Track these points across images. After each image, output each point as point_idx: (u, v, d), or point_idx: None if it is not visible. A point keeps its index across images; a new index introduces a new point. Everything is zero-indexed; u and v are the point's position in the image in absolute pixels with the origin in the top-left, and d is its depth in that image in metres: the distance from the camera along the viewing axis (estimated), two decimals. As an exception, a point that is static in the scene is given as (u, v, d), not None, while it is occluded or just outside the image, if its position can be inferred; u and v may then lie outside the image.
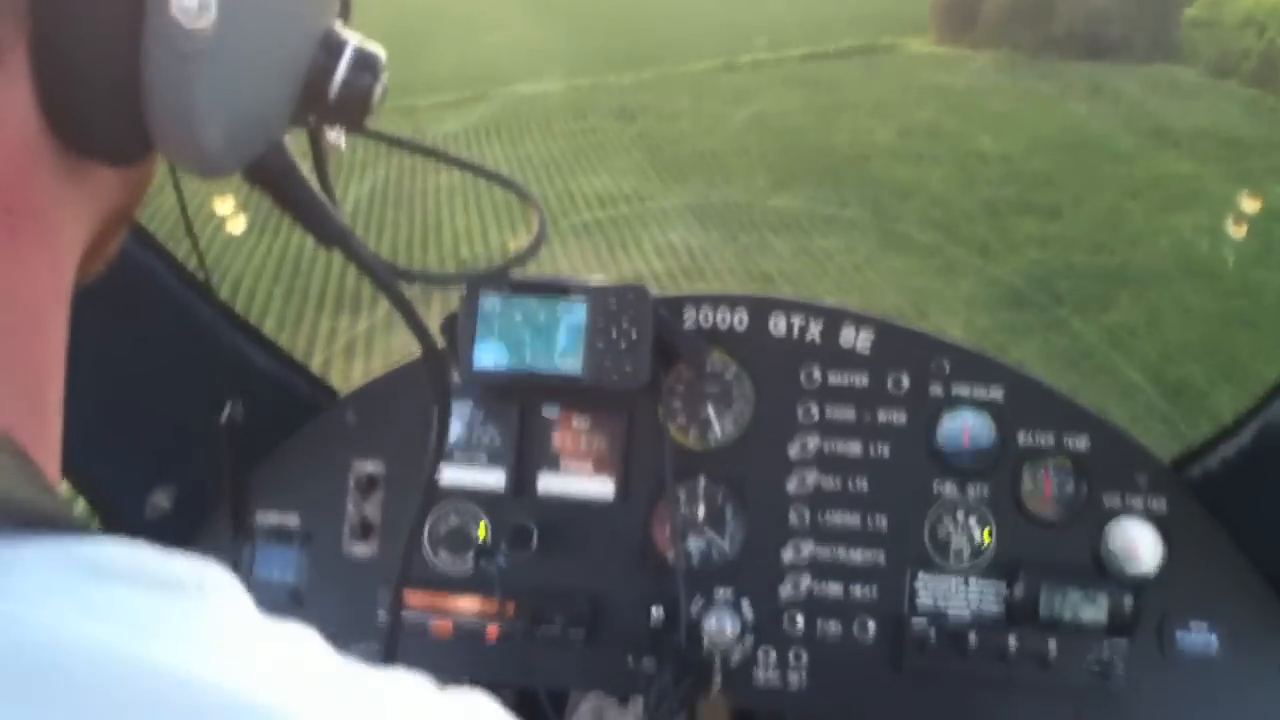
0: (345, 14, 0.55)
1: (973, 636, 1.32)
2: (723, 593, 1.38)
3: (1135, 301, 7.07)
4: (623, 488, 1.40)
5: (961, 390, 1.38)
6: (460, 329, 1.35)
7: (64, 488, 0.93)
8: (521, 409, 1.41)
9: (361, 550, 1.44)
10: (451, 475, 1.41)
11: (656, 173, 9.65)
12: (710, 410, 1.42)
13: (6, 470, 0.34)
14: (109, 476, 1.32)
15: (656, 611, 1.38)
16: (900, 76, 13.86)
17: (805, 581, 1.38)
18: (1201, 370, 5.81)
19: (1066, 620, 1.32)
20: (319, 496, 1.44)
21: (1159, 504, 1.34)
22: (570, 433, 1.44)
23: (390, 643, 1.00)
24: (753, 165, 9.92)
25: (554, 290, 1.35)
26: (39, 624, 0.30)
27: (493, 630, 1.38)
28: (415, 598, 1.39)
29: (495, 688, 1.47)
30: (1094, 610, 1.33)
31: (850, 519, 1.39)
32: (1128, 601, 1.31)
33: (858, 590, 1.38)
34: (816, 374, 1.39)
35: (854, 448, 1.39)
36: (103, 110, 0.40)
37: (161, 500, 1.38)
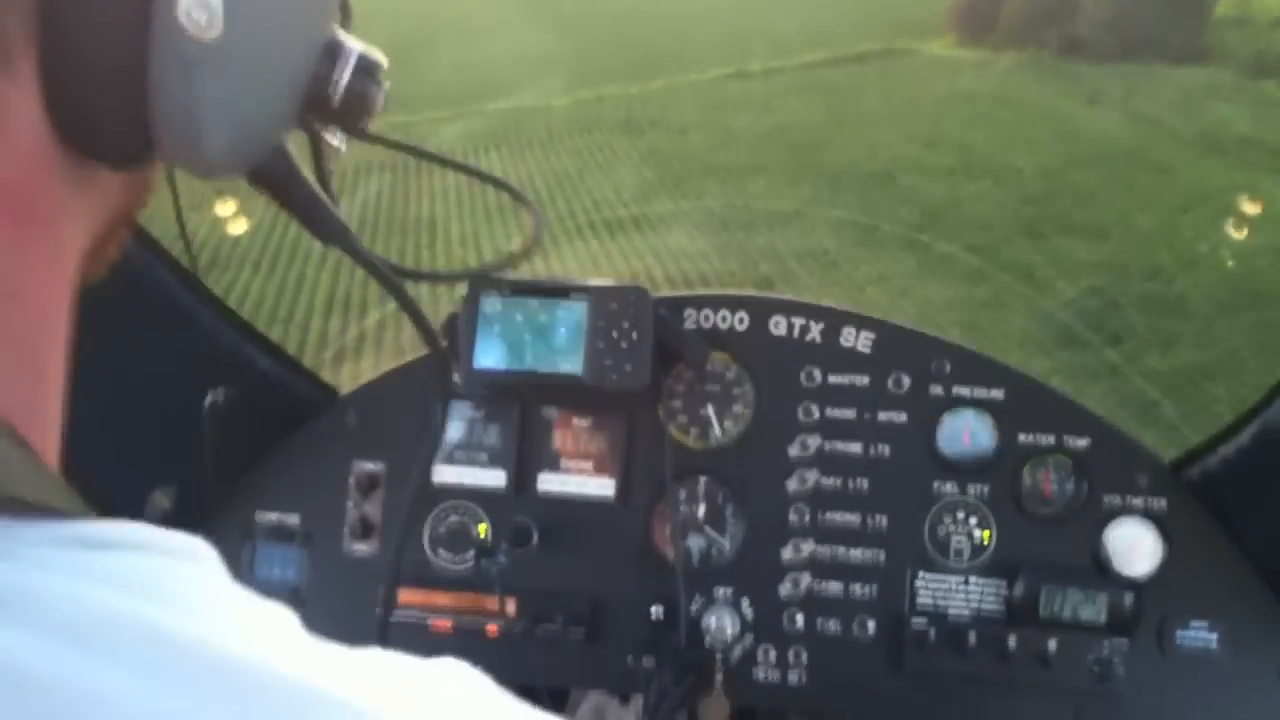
0: (345, 19, 0.58)
1: (972, 636, 1.37)
2: (723, 591, 1.43)
3: (1202, 336, 6.35)
4: (623, 487, 1.45)
5: (962, 390, 1.42)
6: (461, 329, 1.39)
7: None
8: (522, 409, 1.46)
9: (362, 549, 1.48)
10: (452, 475, 1.46)
11: (667, 192, 8.96)
12: (710, 410, 1.46)
13: (16, 463, 0.36)
14: (109, 476, 1.35)
15: (656, 610, 1.42)
16: (921, 83, 13.19)
17: (805, 580, 1.42)
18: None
19: (1066, 620, 1.36)
20: (319, 496, 1.49)
21: (1159, 504, 1.38)
22: (571, 432, 1.48)
23: (381, 640, 0.97)
24: (771, 185, 9.20)
25: (555, 291, 1.39)
26: (30, 588, 0.32)
27: (493, 629, 1.42)
28: (415, 596, 1.43)
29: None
30: (1094, 610, 1.36)
31: (850, 518, 1.43)
32: (1127, 601, 1.35)
33: (858, 589, 1.42)
34: (817, 374, 1.44)
35: (854, 448, 1.43)
36: (110, 115, 0.42)
37: (161, 500, 1.42)
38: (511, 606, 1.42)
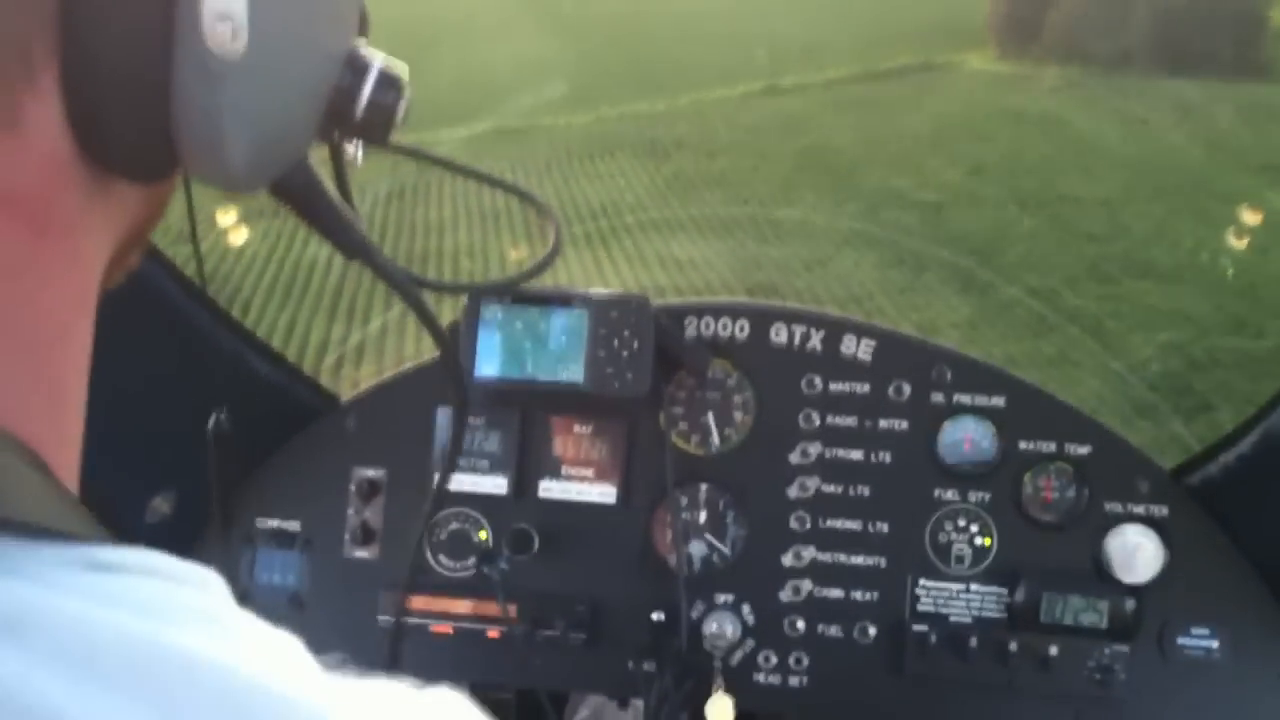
0: (364, 30, 0.58)
1: (973, 641, 1.40)
2: (723, 596, 1.47)
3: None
4: (624, 493, 1.49)
5: (963, 398, 1.45)
6: (462, 337, 1.43)
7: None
8: (523, 416, 1.51)
9: (362, 555, 1.52)
10: (453, 481, 1.45)
11: (697, 227, 8.20)
12: (711, 418, 1.49)
13: (30, 484, 0.37)
14: (110, 481, 1.36)
15: (657, 615, 1.46)
16: (962, 99, 12.44)
17: (806, 586, 1.46)
18: None
19: (1067, 625, 1.39)
20: (320, 502, 1.53)
21: (1160, 510, 1.41)
22: (572, 439, 1.51)
23: (394, 647, 1.10)
24: (806, 217, 8.43)
25: (555, 300, 1.43)
26: (39, 610, 0.33)
27: (494, 633, 1.47)
28: (416, 601, 1.47)
29: (495, 689, 1.59)
30: (1095, 615, 1.39)
31: (851, 525, 1.46)
32: (1129, 607, 1.38)
33: (858, 594, 1.46)
34: (818, 382, 1.47)
35: (855, 455, 1.47)
36: (132, 129, 0.43)
37: (162, 505, 1.43)
38: (512, 611, 1.46)
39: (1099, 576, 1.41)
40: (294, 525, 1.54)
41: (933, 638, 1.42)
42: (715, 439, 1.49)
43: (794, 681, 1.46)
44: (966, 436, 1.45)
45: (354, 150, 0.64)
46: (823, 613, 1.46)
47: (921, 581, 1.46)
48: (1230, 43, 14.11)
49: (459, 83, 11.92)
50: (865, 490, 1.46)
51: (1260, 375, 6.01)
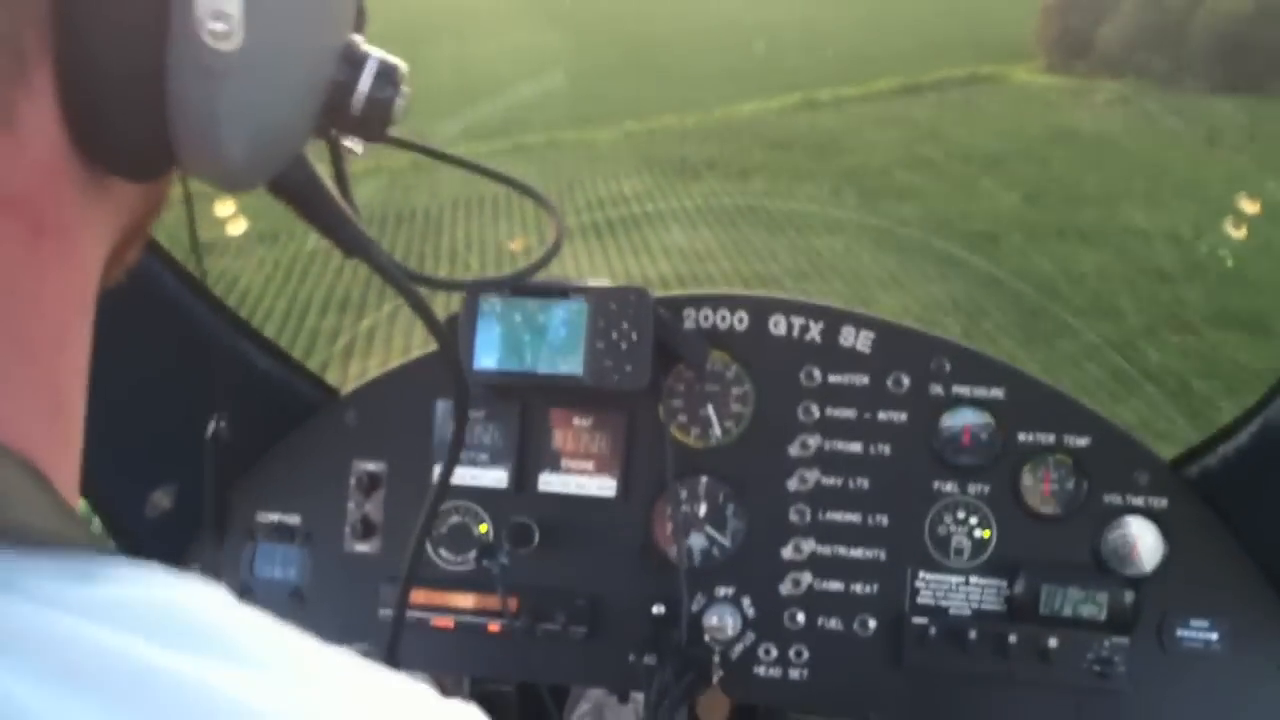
0: (360, 25, 0.58)
1: (973, 633, 1.44)
2: (723, 589, 1.50)
3: None
4: (624, 486, 1.52)
5: (962, 390, 1.47)
6: (460, 330, 1.45)
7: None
8: (522, 409, 1.54)
9: (363, 549, 1.55)
10: (454, 474, 1.48)
11: (728, 256, 7.51)
12: (711, 410, 1.51)
13: (27, 496, 0.38)
14: (110, 475, 1.41)
15: (657, 608, 1.49)
16: (1010, 115, 11.76)
17: (806, 578, 1.49)
18: None
19: (1067, 617, 1.41)
20: (320, 495, 1.57)
21: (1159, 502, 1.44)
22: (571, 432, 1.54)
23: (394, 641, 1.10)
24: (849, 247, 7.72)
25: (554, 292, 1.45)
26: (36, 624, 0.34)
27: (494, 627, 1.50)
28: (417, 595, 1.49)
29: (496, 683, 1.64)
30: (1094, 607, 1.40)
31: (851, 517, 1.49)
32: (1128, 599, 1.41)
33: (858, 587, 1.49)
34: (817, 374, 1.50)
35: (854, 447, 1.49)
36: (128, 127, 0.44)
37: (162, 499, 1.45)
38: (513, 605, 1.50)
39: (1098, 568, 1.44)
40: (294, 519, 1.57)
41: (932, 630, 1.45)
42: (715, 431, 1.52)
43: (794, 674, 1.49)
44: (966, 428, 1.47)
45: (354, 144, 0.64)
46: (822, 605, 1.50)
47: (921, 574, 1.48)
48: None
49: (457, 75, 11.37)
50: (864, 482, 1.49)
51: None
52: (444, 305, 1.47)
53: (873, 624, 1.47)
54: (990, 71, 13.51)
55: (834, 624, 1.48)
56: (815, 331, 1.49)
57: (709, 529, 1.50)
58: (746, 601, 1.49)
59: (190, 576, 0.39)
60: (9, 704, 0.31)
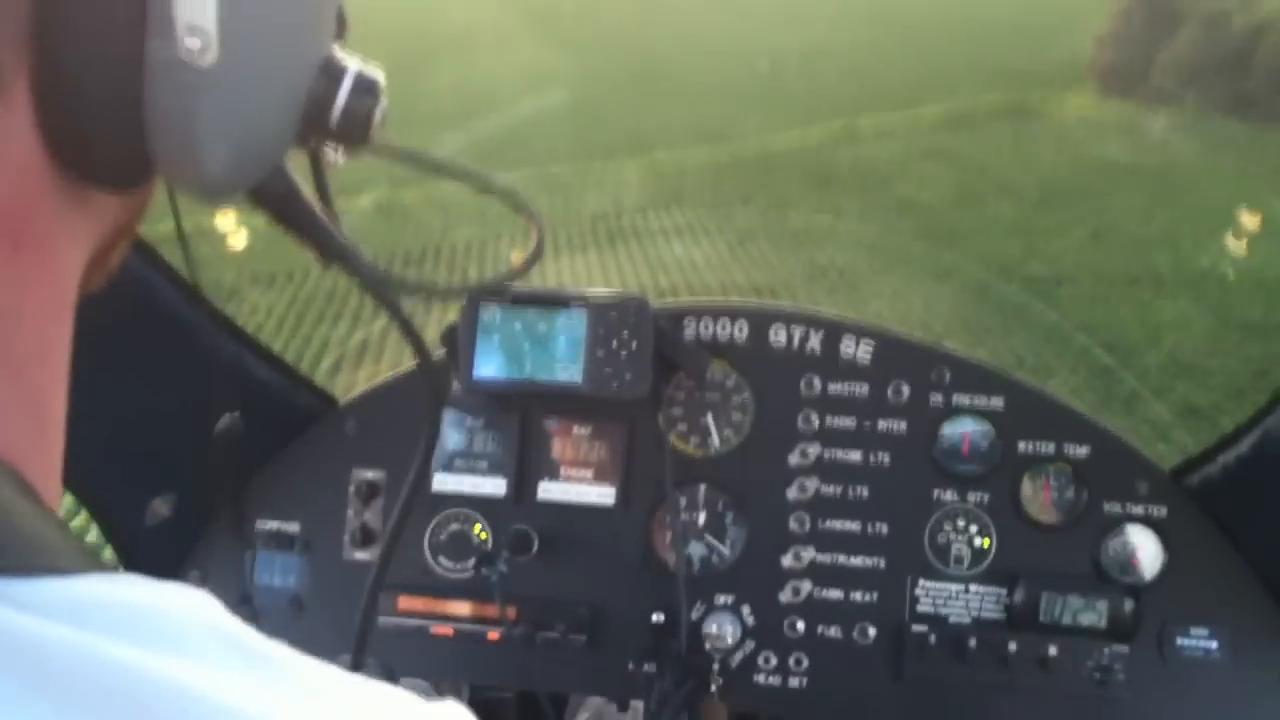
0: (341, 34, 0.59)
1: (973, 642, 1.44)
2: (723, 598, 1.51)
3: None
4: (623, 495, 1.53)
5: (962, 400, 1.49)
6: (460, 339, 1.47)
7: (65, 498, 0.95)
8: (522, 418, 1.55)
9: (362, 557, 1.56)
10: (453, 483, 1.54)
11: (772, 293, 6.86)
12: (710, 419, 1.52)
13: (11, 504, 0.38)
14: (109, 484, 1.43)
15: (656, 617, 1.50)
16: (1065, 148, 11.07)
17: (805, 587, 1.50)
18: None
19: (1067, 626, 1.43)
20: (319, 504, 1.59)
21: (1159, 511, 1.45)
22: (571, 441, 1.55)
23: (360, 642, 1.12)
24: (899, 294, 7.03)
25: (554, 301, 1.46)
26: (27, 635, 0.34)
27: (494, 635, 1.51)
28: (416, 603, 1.52)
29: (496, 691, 1.65)
30: (1094, 616, 1.41)
31: (850, 526, 1.50)
32: (1128, 607, 1.42)
33: (858, 596, 1.50)
34: (817, 384, 1.51)
35: (854, 456, 1.51)
36: (105, 138, 0.44)
37: (161, 508, 1.48)
38: (512, 613, 1.50)
39: (1098, 577, 1.45)
40: (294, 527, 1.58)
41: (932, 638, 1.47)
42: (715, 440, 1.53)
43: (794, 683, 1.50)
44: (965, 437, 1.49)
45: (334, 155, 0.64)
46: (822, 614, 1.51)
47: (921, 582, 1.49)
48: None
49: (459, 95, 10.93)
50: (864, 491, 1.51)
51: None
52: (443, 313, 1.40)
53: (872, 632, 1.48)
54: (1041, 100, 12.81)
55: (834, 633, 1.49)
56: (815, 341, 1.51)
57: (708, 537, 1.51)
58: (746, 610, 1.50)
59: (171, 584, 0.39)
60: None
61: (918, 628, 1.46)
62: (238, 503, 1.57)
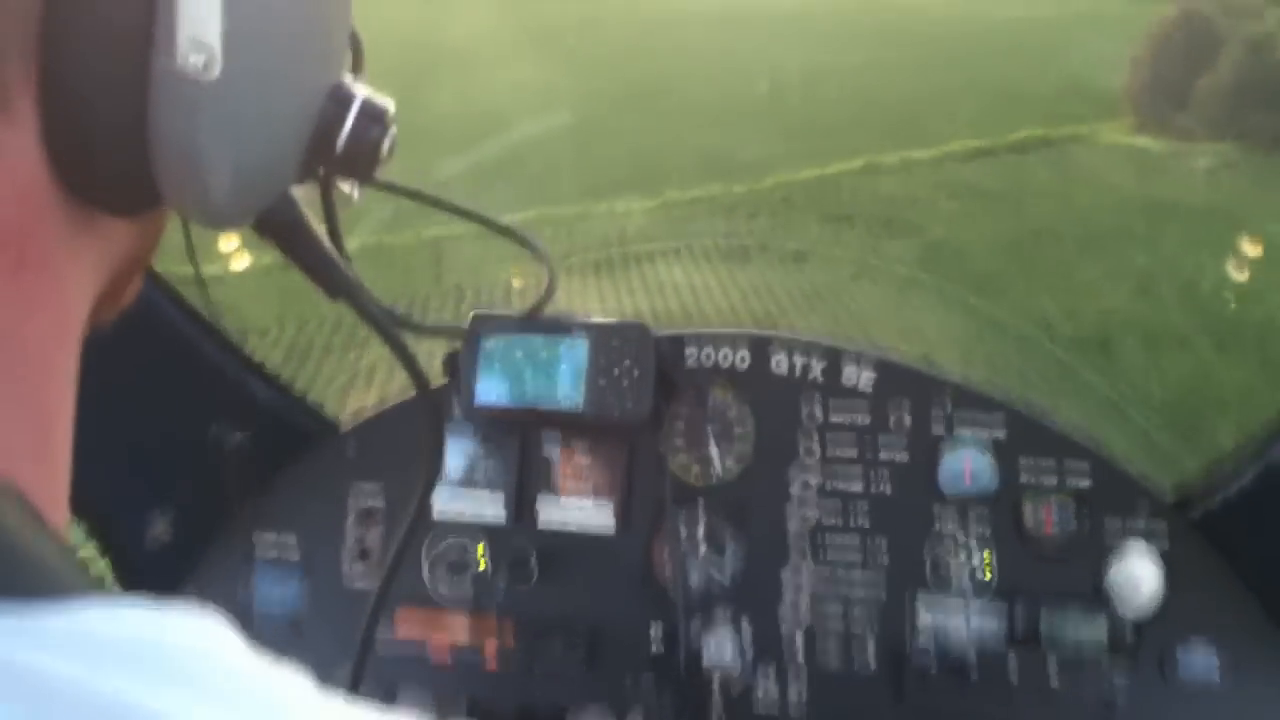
0: (357, 67, 0.60)
1: (974, 665, 1.44)
2: (723, 618, 1.51)
3: None
4: (623, 518, 1.54)
5: (963, 427, 1.49)
6: (462, 365, 1.48)
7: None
8: (523, 441, 1.57)
9: (362, 580, 1.57)
10: (452, 505, 1.55)
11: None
12: (711, 445, 1.52)
13: (14, 530, 0.37)
14: (110, 502, 1.44)
15: (656, 639, 1.51)
16: (1102, 184, 10.44)
17: (805, 608, 1.51)
18: None
19: (1068, 649, 1.43)
20: (319, 526, 1.60)
21: (1161, 537, 1.45)
22: (571, 465, 1.56)
23: (358, 666, 1.13)
24: (931, 355, 6.37)
25: (555, 328, 1.47)
26: (30, 665, 0.33)
27: (492, 655, 1.51)
28: (414, 625, 1.53)
29: (493, 712, 1.65)
30: (1096, 639, 1.42)
31: (851, 551, 1.51)
32: (1129, 633, 1.42)
33: (858, 622, 1.50)
34: (818, 410, 1.52)
35: (855, 484, 1.51)
36: (109, 160, 0.44)
37: (161, 528, 1.48)
38: (511, 636, 1.51)
39: (1099, 603, 1.45)
40: (293, 550, 1.59)
41: (933, 665, 1.47)
42: (716, 467, 1.53)
43: (793, 704, 1.50)
44: (967, 466, 1.48)
45: (351, 190, 0.65)
46: (822, 639, 1.51)
47: (921, 606, 1.49)
48: None
49: (460, 113, 10.42)
50: (865, 519, 1.51)
51: None
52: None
53: (872, 654, 1.49)
54: (1073, 131, 12.16)
55: (834, 657, 1.50)
56: (817, 369, 1.52)
57: (708, 560, 1.52)
58: (746, 630, 1.51)
59: (179, 610, 0.38)
60: None
61: (918, 650, 1.47)
62: (239, 523, 1.59)
